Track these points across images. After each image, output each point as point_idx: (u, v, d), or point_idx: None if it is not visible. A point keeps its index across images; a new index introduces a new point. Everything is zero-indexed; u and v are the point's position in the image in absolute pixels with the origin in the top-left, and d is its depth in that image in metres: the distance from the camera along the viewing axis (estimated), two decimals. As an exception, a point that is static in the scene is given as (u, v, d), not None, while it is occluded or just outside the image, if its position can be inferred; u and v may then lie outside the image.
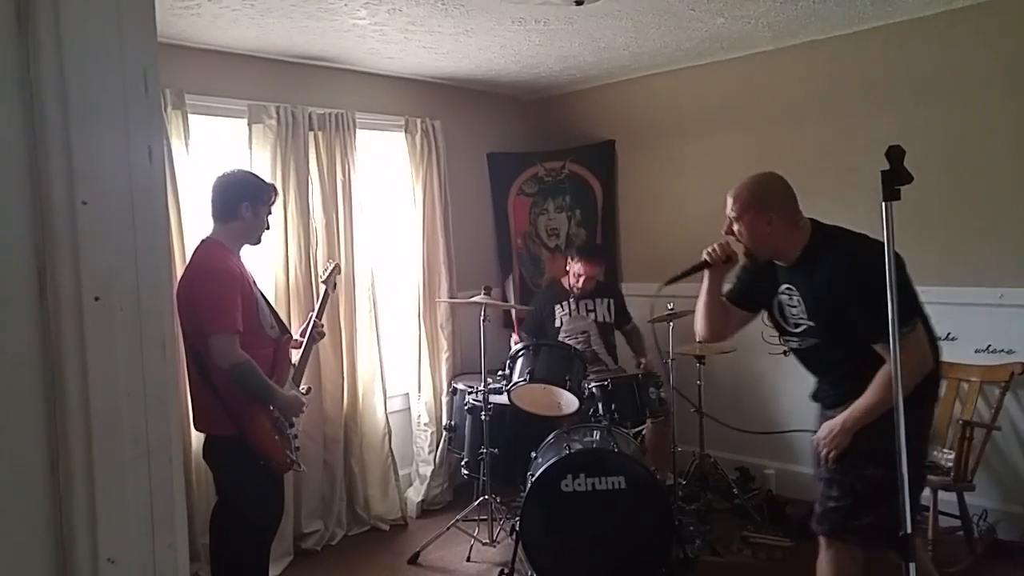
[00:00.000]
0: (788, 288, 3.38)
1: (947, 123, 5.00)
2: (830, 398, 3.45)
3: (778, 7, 4.74)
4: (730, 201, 3.39)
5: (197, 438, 4.66)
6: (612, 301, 6.03)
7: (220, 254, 3.82)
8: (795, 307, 3.36)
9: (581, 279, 5.90)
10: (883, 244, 2.67)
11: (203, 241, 3.94)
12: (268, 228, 4.05)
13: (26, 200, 0.95)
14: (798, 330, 3.38)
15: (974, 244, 4.95)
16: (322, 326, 4.43)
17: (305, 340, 4.29)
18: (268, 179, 5.01)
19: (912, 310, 3.10)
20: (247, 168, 4.08)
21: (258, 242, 4.04)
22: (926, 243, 4.99)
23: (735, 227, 3.38)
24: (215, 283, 3.70)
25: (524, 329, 6.10)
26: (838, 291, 3.15)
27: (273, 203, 4.05)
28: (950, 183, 4.95)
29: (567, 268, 6.06)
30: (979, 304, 4.91)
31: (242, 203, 3.87)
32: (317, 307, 4.43)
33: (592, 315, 5.98)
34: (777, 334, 3.60)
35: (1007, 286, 4.82)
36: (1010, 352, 4.80)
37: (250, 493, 3.90)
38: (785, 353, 3.70)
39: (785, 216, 3.31)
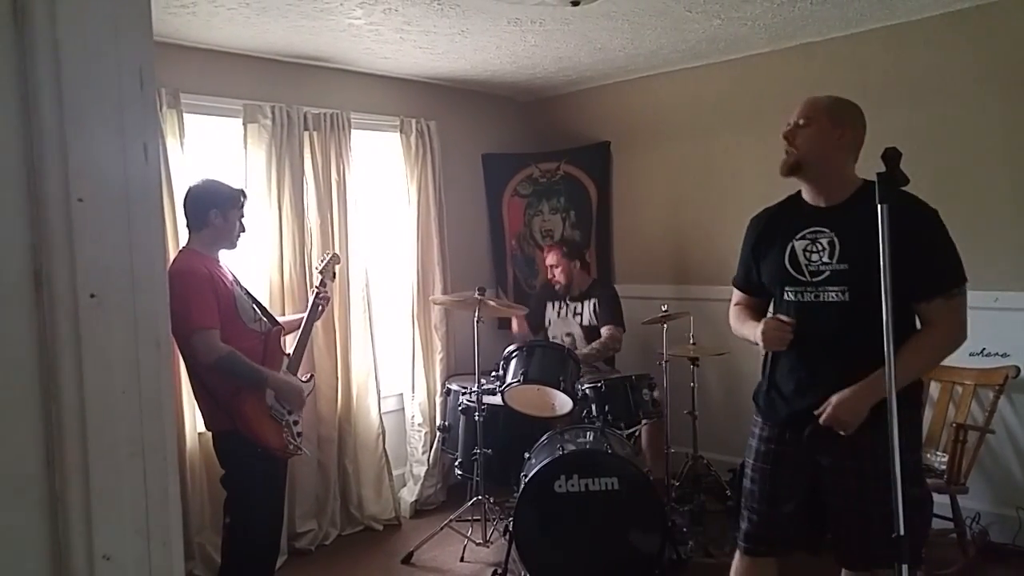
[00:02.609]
0: (815, 231, 3.03)
1: (943, 126, 5.01)
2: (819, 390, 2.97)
3: (775, 9, 4.74)
4: (804, 105, 3.07)
5: (192, 436, 4.73)
6: (596, 301, 6.02)
7: (189, 259, 3.95)
8: (820, 251, 3.01)
9: (551, 269, 6.08)
10: None
11: (179, 251, 4.12)
12: (244, 231, 4.15)
13: (22, 197, 0.95)
14: (818, 277, 3.00)
15: (969, 247, 4.86)
16: (326, 292, 4.53)
17: (308, 309, 4.42)
18: (260, 179, 5.09)
19: (964, 270, 2.96)
20: (214, 177, 4.16)
21: (234, 246, 4.15)
22: (920, 246, 5.00)
23: (800, 132, 3.02)
24: (184, 286, 3.78)
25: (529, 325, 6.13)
26: (904, 231, 2.73)
27: (243, 206, 4.14)
28: (946, 186, 4.95)
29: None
30: (974, 307, 4.81)
31: (210, 210, 3.99)
32: (312, 297, 4.49)
33: (579, 318, 6.01)
34: (778, 291, 3.17)
35: (1002, 290, 4.83)
36: (1004, 356, 4.81)
37: (255, 483, 4.05)
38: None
39: (852, 141, 3.05)
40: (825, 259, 2.99)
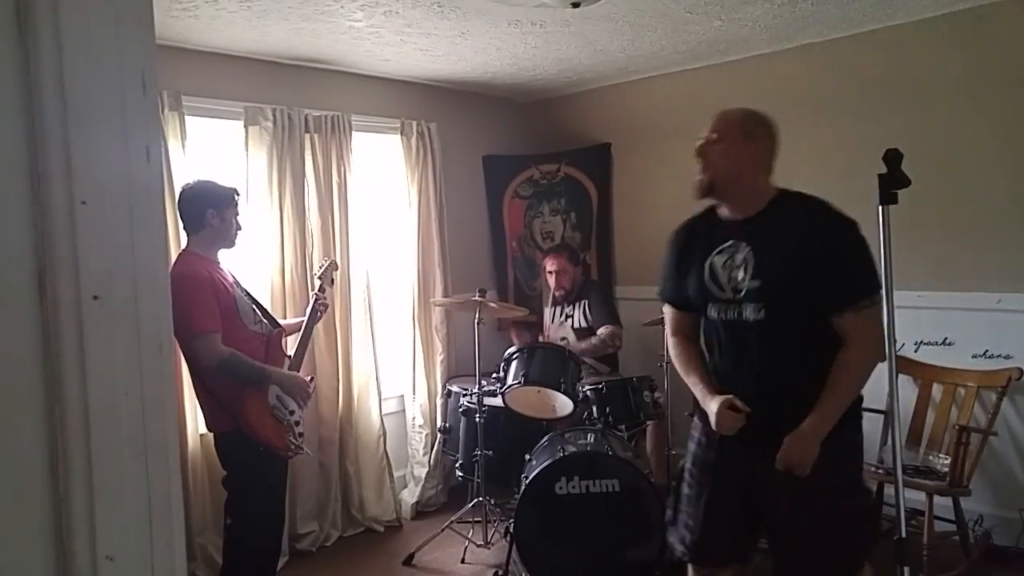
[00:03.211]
0: (730, 246, 3.00)
1: (945, 127, 5.00)
2: (765, 421, 2.91)
3: (775, 10, 4.74)
4: (715, 120, 3.08)
5: (194, 437, 4.74)
6: (586, 302, 6.03)
7: (189, 262, 3.98)
8: (735, 267, 2.96)
9: (553, 275, 6.04)
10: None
11: (179, 253, 4.14)
12: (240, 229, 4.20)
13: (25, 200, 0.96)
14: (737, 295, 2.95)
15: (972, 249, 4.95)
16: (325, 298, 4.55)
17: (307, 314, 4.45)
18: (261, 181, 5.10)
19: (879, 279, 2.82)
20: (206, 178, 4.21)
21: (233, 245, 4.18)
22: (923, 248, 4.99)
23: (713, 148, 3.03)
24: (185, 290, 3.81)
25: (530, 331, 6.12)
26: (815, 243, 2.82)
27: (238, 204, 4.18)
28: (947, 187, 4.95)
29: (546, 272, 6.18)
30: (976, 309, 4.91)
31: (207, 211, 4.03)
32: (311, 303, 4.52)
33: (570, 321, 6.01)
34: (703, 308, 3.12)
35: (1005, 291, 4.82)
36: (1007, 357, 4.80)
37: (257, 483, 4.09)
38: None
39: (766, 154, 3.01)
40: (742, 274, 2.94)
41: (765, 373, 2.95)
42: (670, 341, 3.40)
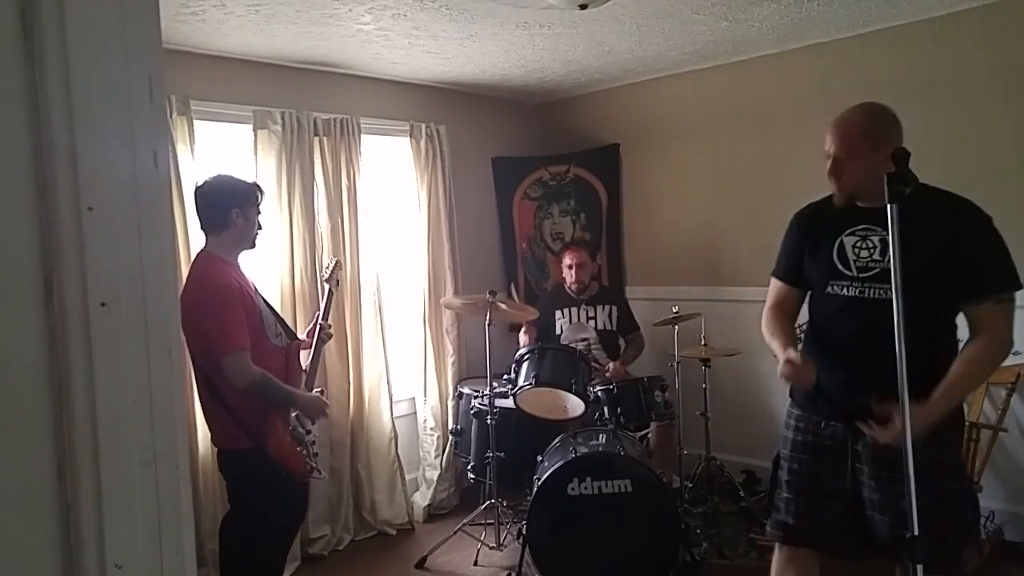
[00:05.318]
0: (865, 229, 3.04)
1: (952, 125, 4.98)
2: (869, 392, 2.90)
3: (783, 10, 4.73)
4: (839, 137, 3.01)
5: (204, 444, 4.70)
6: (614, 308, 6.02)
7: (217, 268, 3.72)
8: (871, 248, 3.01)
9: (573, 269, 5.97)
10: None
11: (198, 255, 3.86)
12: (261, 228, 3.93)
13: (32, 206, 0.96)
14: (866, 273, 3.01)
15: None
16: (329, 327, 4.33)
17: (313, 342, 4.24)
18: (271, 184, 5.08)
19: (1018, 279, 2.91)
20: (226, 173, 3.93)
21: (254, 245, 3.92)
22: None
23: (843, 170, 2.99)
24: (216, 302, 3.61)
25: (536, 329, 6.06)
26: (960, 233, 2.92)
27: (261, 202, 3.93)
28: (955, 185, 4.91)
29: (561, 269, 6.13)
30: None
31: (232, 210, 3.75)
32: (323, 308, 4.34)
33: (593, 323, 5.97)
34: (821, 286, 3.16)
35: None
36: (1016, 353, 4.76)
37: (269, 503, 3.84)
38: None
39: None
40: (876, 256, 3.00)
41: (886, 352, 2.79)
42: (766, 311, 3.44)
